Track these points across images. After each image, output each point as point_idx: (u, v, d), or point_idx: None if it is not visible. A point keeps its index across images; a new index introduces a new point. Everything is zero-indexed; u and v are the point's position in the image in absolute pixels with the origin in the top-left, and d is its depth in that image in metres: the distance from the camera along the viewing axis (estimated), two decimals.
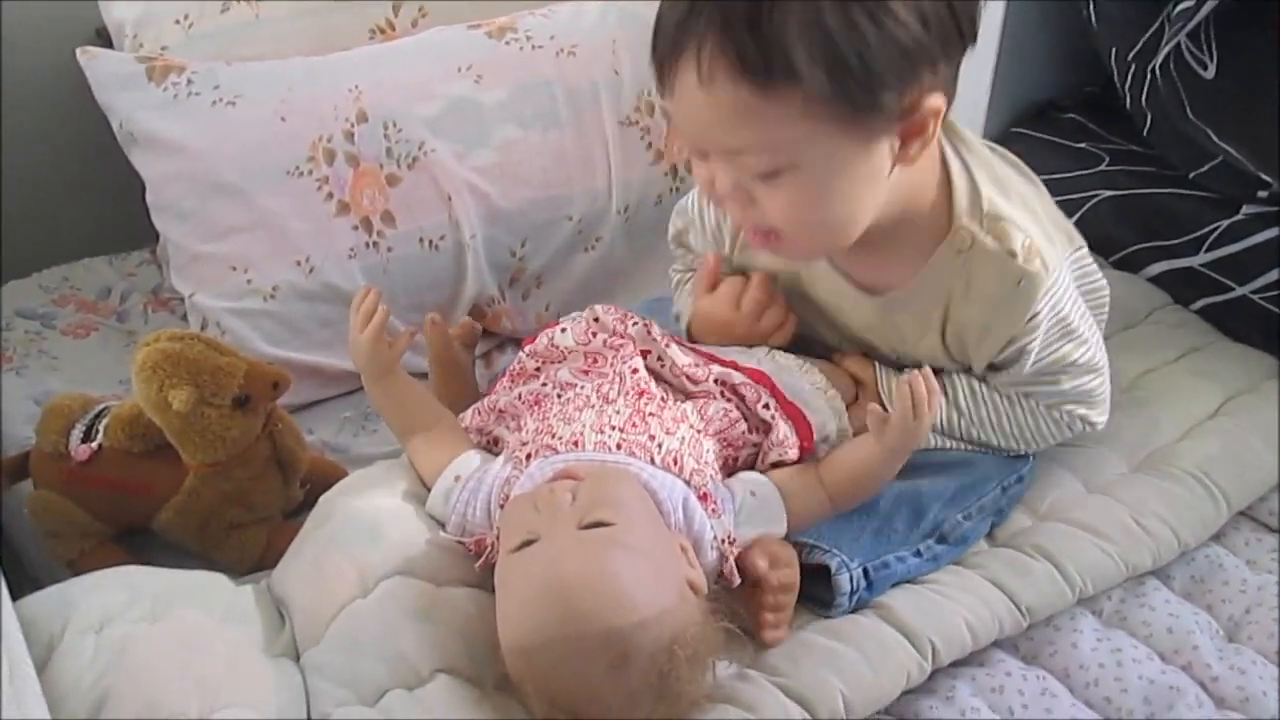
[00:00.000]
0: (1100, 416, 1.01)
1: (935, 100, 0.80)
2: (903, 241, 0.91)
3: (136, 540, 1.05)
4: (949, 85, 0.81)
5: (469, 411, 0.99)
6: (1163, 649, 0.92)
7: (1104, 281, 1.00)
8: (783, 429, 0.94)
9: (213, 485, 0.99)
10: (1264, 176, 1.17)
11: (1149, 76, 1.22)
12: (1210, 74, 1.16)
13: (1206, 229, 1.23)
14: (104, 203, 1.55)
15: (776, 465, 0.94)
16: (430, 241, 1.28)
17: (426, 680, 0.80)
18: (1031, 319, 0.90)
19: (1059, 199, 1.32)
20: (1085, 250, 0.99)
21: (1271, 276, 1.19)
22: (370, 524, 0.89)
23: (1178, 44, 1.16)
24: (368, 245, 1.25)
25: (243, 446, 0.98)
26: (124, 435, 0.99)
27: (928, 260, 0.91)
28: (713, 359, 0.98)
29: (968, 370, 0.99)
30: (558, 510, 0.80)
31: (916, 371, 0.87)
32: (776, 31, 0.75)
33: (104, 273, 1.47)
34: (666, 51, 0.81)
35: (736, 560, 0.86)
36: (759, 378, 0.96)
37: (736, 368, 0.97)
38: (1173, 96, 1.19)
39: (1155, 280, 1.27)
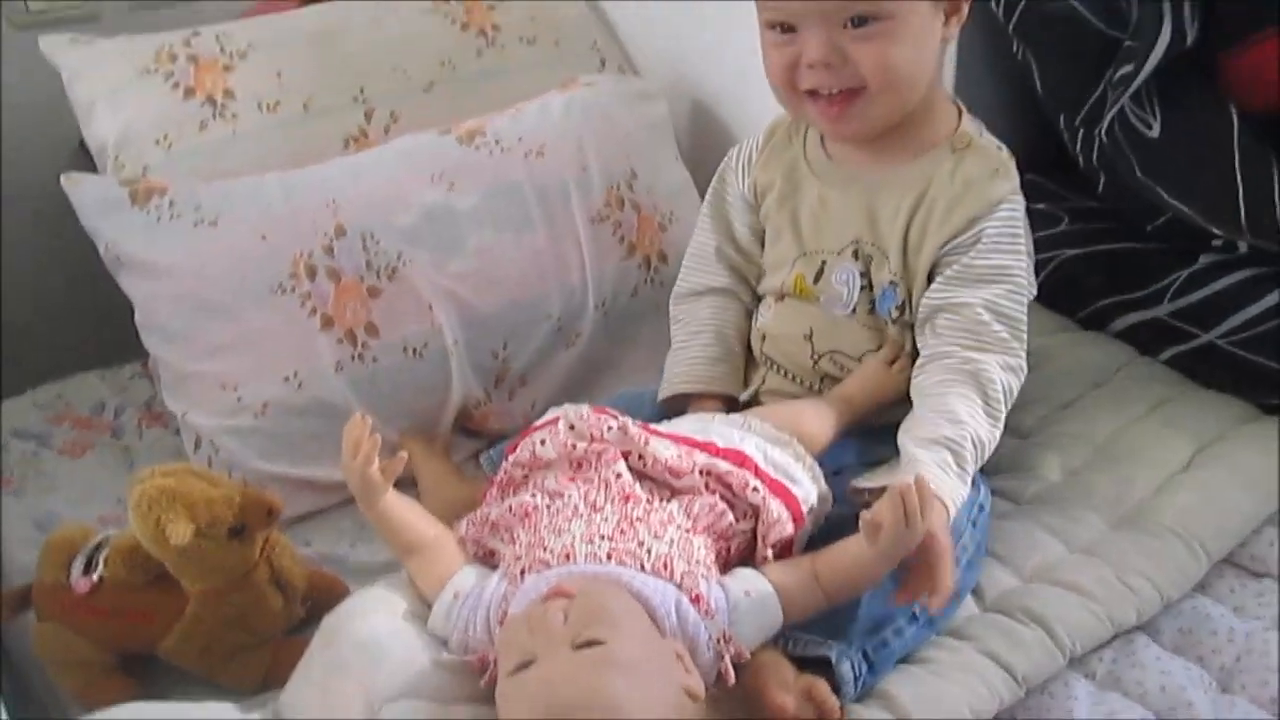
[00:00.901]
0: (1020, 359, 1.03)
1: None
2: (907, 137, 1.05)
3: (143, 667, 1.06)
4: None
5: (463, 523, 1.01)
6: (1158, 708, 0.94)
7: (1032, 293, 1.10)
8: (774, 508, 0.96)
9: (213, 611, 1.01)
10: (1214, 230, 1.21)
11: (1096, 140, 1.26)
12: (1155, 133, 1.20)
13: (1168, 280, 1.27)
14: (94, 316, 1.58)
15: (776, 545, 0.95)
16: (414, 350, 1.30)
17: None
18: (997, 204, 1.02)
19: None
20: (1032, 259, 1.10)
21: (1236, 321, 1.22)
22: (374, 646, 0.90)
23: (1121, 107, 1.20)
24: (353, 358, 1.28)
25: (241, 573, 1.00)
26: (124, 566, 1.01)
27: (923, 154, 1.05)
28: (692, 443, 1.00)
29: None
30: (551, 631, 0.82)
31: (909, 481, 0.88)
32: None
33: (97, 387, 1.49)
34: None
35: (759, 693, 0.87)
36: (740, 459, 0.98)
37: (715, 451, 0.99)
38: (1121, 157, 1.23)
39: (1123, 334, 1.30)
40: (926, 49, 1.01)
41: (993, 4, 1.27)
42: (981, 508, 1.04)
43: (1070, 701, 0.94)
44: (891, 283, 1.07)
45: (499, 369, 1.35)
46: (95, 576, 1.01)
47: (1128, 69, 1.18)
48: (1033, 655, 0.95)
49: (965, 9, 1.01)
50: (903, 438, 0.99)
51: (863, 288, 1.08)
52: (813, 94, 1.02)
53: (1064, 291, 1.34)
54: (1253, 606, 1.03)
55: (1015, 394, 1.03)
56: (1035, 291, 1.09)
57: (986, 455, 0.99)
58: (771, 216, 1.14)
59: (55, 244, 1.56)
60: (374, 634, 0.91)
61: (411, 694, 0.87)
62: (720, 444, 1.00)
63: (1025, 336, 1.03)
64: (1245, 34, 1.20)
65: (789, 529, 0.95)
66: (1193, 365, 1.24)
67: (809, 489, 0.99)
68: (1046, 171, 1.45)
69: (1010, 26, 1.26)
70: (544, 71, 1.61)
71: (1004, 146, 1.07)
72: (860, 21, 0.97)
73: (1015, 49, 1.32)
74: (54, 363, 1.57)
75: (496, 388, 1.36)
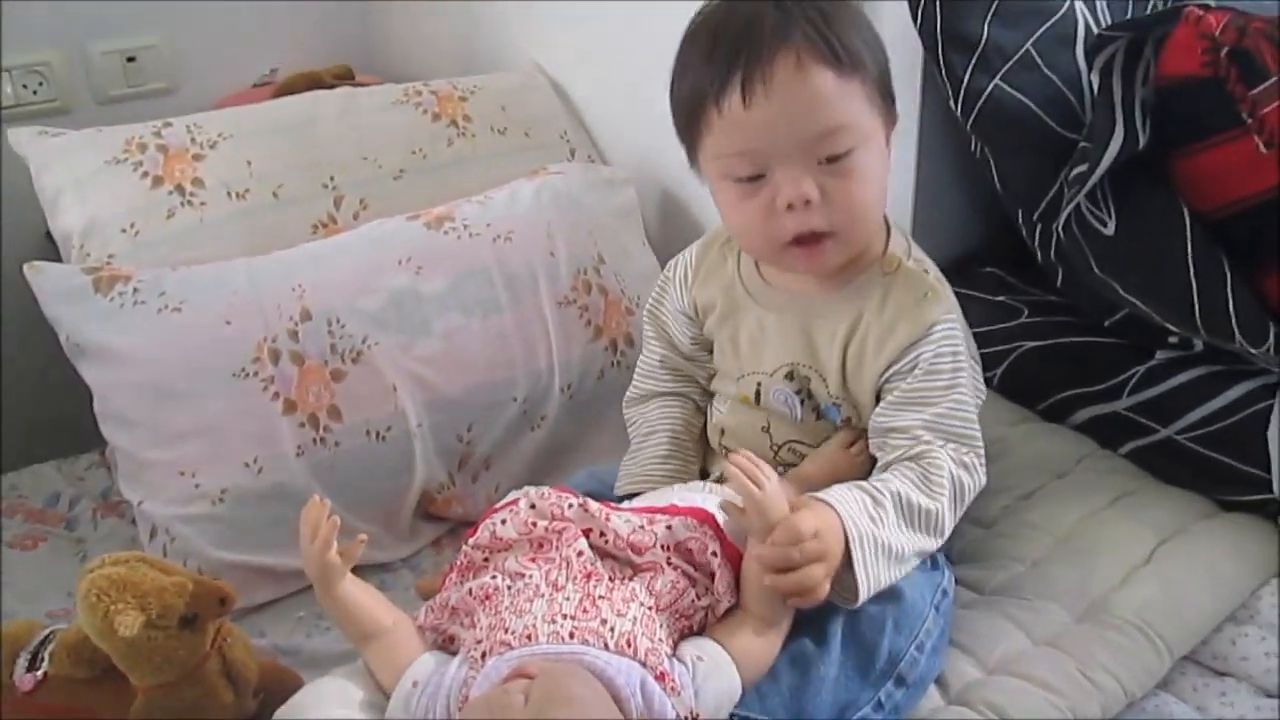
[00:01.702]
0: (977, 461, 1.02)
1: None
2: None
3: None
4: None
5: (423, 610, 0.99)
6: None
7: (982, 396, 1.11)
8: (726, 576, 0.95)
9: (162, 707, 0.98)
10: (1170, 327, 1.23)
11: (1054, 235, 1.29)
12: (1110, 230, 1.22)
13: (1126, 375, 1.28)
14: (51, 407, 1.56)
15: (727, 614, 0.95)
16: (377, 433, 1.30)
17: None
18: (929, 329, 1.02)
19: (982, 351, 1.37)
20: (978, 363, 1.12)
21: (1193, 417, 1.23)
22: None
23: (1077, 205, 1.23)
24: (315, 441, 1.27)
25: (191, 665, 0.98)
26: (69, 662, 0.98)
27: (855, 278, 1.05)
28: (653, 510, 1.00)
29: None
30: (510, 713, 0.80)
31: (734, 455, 0.94)
32: (846, 34, 0.96)
33: (52, 479, 1.48)
34: (761, 52, 0.94)
35: None
36: (702, 516, 0.98)
37: (675, 510, 0.99)
38: (1077, 253, 1.25)
39: (1083, 427, 1.31)
40: (884, 172, 1.01)
41: (950, 102, 1.31)
42: (945, 592, 1.04)
43: None
44: (834, 403, 1.08)
45: (463, 452, 1.35)
46: (39, 673, 0.98)
47: (1082, 168, 1.21)
48: None
49: (896, 113, 1.03)
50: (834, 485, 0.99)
51: (803, 402, 1.09)
52: (793, 240, 0.99)
53: (1024, 383, 1.36)
54: (1215, 706, 1.02)
55: (968, 490, 1.02)
56: (983, 397, 1.09)
57: (920, 521, 0.97)
58: (715, 333, 1.15)
59: (16, 334, 1.56)
60: None
61: None
62: (681, 504, 1.00)
63: (979, 443, 1.03)
64: (1194, 139, 1.24)
65: (734, 600, 0.95)
66: (1152, 459, 1.25)
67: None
68: (1008, 265, 1.48)
69: (968, 124, 1.30)
70: (514, 160, 1.64)
71: (930, 266, 1.07)
72: (833, 158, 0.96)
73: (974, 146, 1.35)
74: (10, 452, 1.55)
75: (460, 471, 1.35)
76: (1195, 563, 1.11)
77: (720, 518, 0.99)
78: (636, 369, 1.25)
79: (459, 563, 1.02)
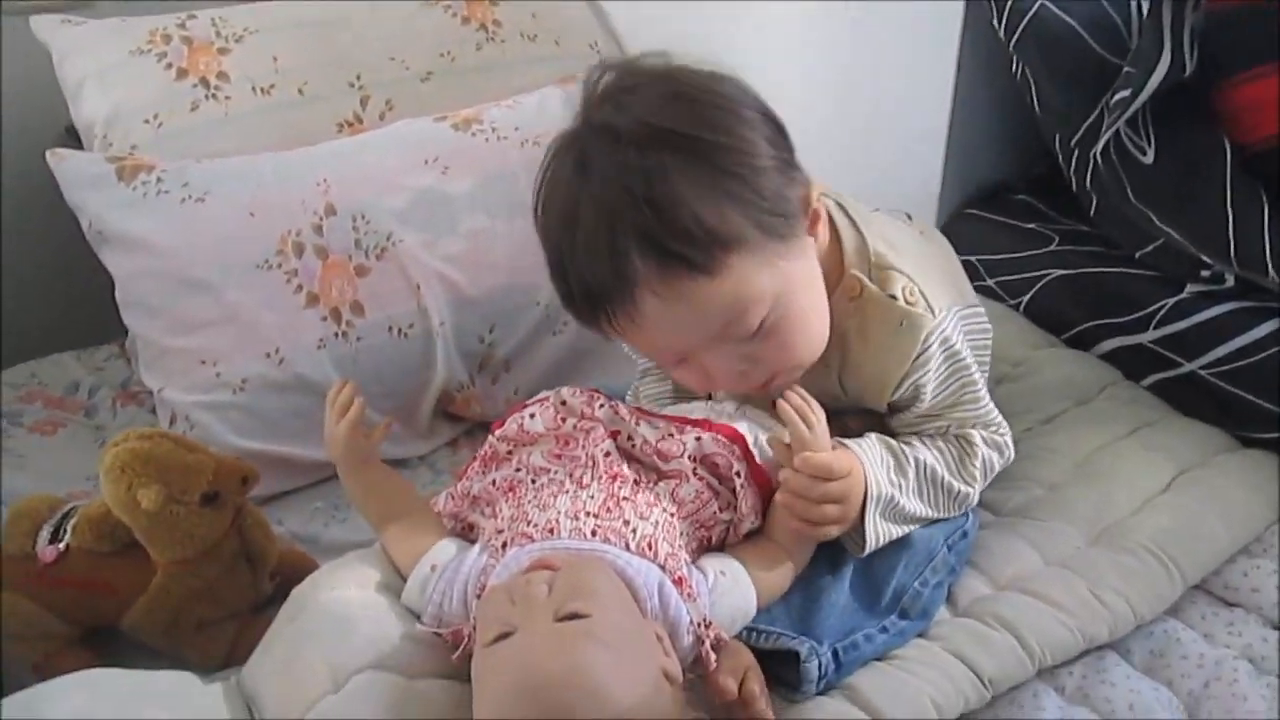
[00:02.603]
0: (1007, 439, 1.02)
1: (808, 187, 0.91)
2: None
3: (103, 641, 1.04)
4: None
5: (442, 496, 1.00)
6: None
7: (989, 340, 1.06)
8: (750, 501, 0.96)
9: (181, 582, 0.99)
10: (1204, 258, 1.22)
11: (1091, 162, 1.27)
12: (1149, 159, 1.20)
13: (1154, 307, 1.27)
14: (72, 298, 1.56)
15: (749, 535, 0.96)
16: (399, 330, 1.30)
17: None
18: (919, 356, 0.95)
19: (1011, 278, 1.36)
20: (978, 308, 1.05)
21: (1219, 353, 1.23)
22: (342, 618, 0.89)
23: (1117, 131, 1.21)
24: (337, 335, 1.27)
25: (211, 543, 0.99)
26: (91, 535, 0.99)
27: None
28: (684, 421, 0.99)
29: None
30: (533, 602, 0.81)
31: (787, 392, 0.91)
32: (693, 221, 0.83)
33: (71, 368, 1.48)
34: (614, 300, 0.86)
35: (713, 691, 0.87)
36: (732, 434, 0.97)
37: (709, 426, 0.98)
38: (1114, 181, 1.24)
39: (1107, 357, 1.31)
40: (814, 290, 0.92)
41: (994, 21, 1.28)
42: (965, 534, 1.04)
43: (1039, 713, 0.93)
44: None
45: (484, 353, 1.35)
46: (62, 545, 0.99)
47: (1125, 94, 1.19)
48: (1001, 659, 0.94)
49: (820, 208, 0.92)
50: (868, 433, 0.99)
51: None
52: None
53: (1050, 311, 1.35)
54: (1222, 635, 1.03)
55: (997, 468, 1.02)
56: (990, 337, 1.07)
57: (945, 497, 0.99)
58: None
59: (37, 226, 1.55)
60: (343, 605, 0.90)
61: (379, 667, 0.86)
62: (714, 419, 1.00)
63: (1005, 425, 1.02)
64: (1240, 69, 1.22)
65: (758, 522, 0.96)
66: (1174, 393, 1.25)
67: None
68: (1041, 194, 1.46)
69: (1011, 44, 1.27)
70: (543, 68, 1.61)
71: (891, 264, 0.96)
72: (755, 333, 0.89)
73: (1014, 67, 1.33)
74: (31, 344, 1.55)
75: (480, 372, 1.35)
76: (1212, 495, 1.11)
77: (750, 439, 0.98)
78: None
79: (483, 453, 1.02)
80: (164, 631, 1.01)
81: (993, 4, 1.27)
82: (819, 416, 0.93)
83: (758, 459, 0.98)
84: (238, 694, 0.90)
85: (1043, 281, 1.35)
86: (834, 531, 0.94)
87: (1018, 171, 1.49)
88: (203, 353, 1.24)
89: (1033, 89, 1.31)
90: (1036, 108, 1.33)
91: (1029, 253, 1.38)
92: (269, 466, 1.22)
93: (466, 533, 0.97)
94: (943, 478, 0.99)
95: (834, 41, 1.50)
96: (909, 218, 1.12)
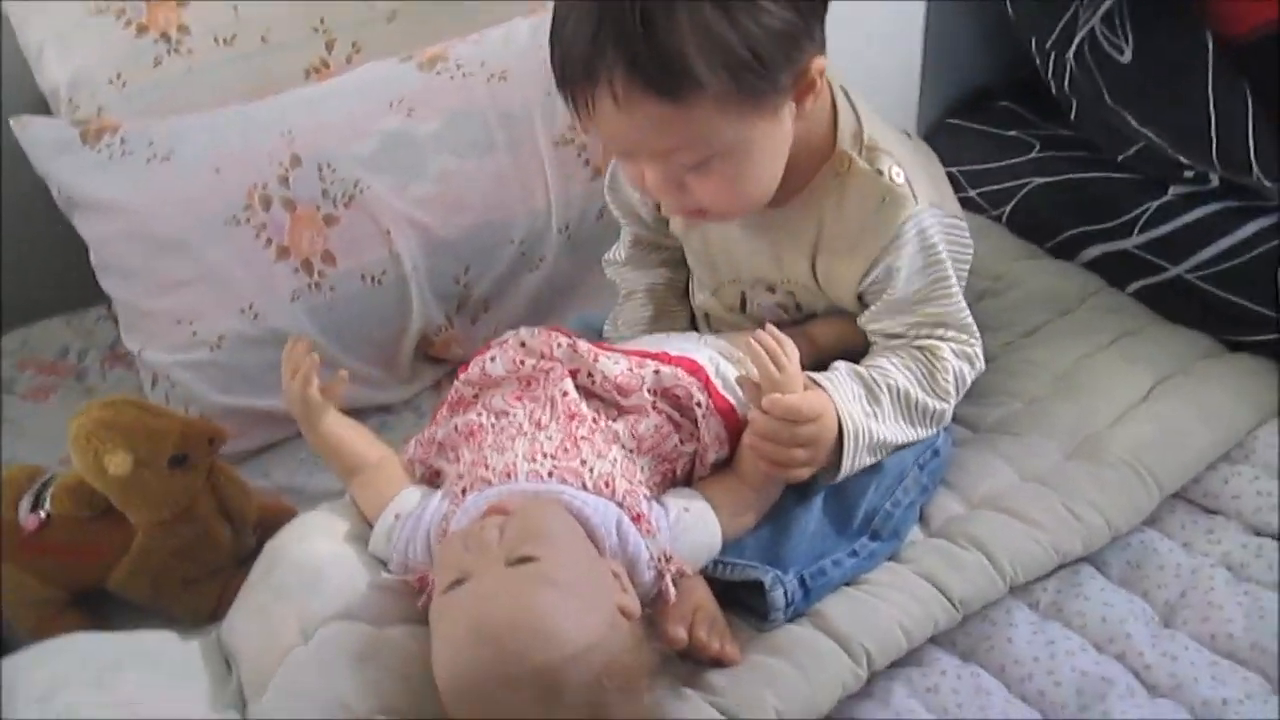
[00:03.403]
0: (977, 350, 1.00)
1: (819, 61, 0.90)
2: (791, 170, 0.97)
3: (96, 601, 1.07)
4: (823, 40, 0.90)
5: (411, 443, 1.01)
6: (1097, 639, 0.94)
7: (969, 255, 1.04)
8: (714, 428, 0.95)
9: (161, 542, 1.01)
10: (1183, 160, 1.18)
11: (1068, 64, 1.23)
12: (1127, 58, 1.16)
13: (1137, 211, 1.24)
14: (58, 262, 1.57)
15: (714, 466, 0.96)
16: (372, 277, 1.29)
17: None
18: (896, 238, 0.95)
19: (993, 188, 1.33)
20: (961, 222, 1.03)
21: (1204, 255, 1.20)
22: (311, 571, 0.91)
23: (1093, 30, 1.17)
24: (310, 287, 1.27)
25: (185, 503, 1.00)
26: (70, 502, 1.01)
27: (808, 185, 0.98)
28: (644, 354, 0.99)
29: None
30: (486, 548, 0.82)
31: (759, 332, 0.91)
32: (675, 48, 0.83)
33: (61, 333, 1.48)
34: (578, 85, 0.87)
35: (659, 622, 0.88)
36: (691, 367, 0.97)
37: (668, 359, 0.98)
38: (1090, 84, 1.20)
39: (1092, 264, 1.28)
40: (777, 154, 0.93)
41: None
42: (936, 453, 1.03)
43: (1010, 629, 0.94)
44: (825, 307, 1.05)
45: (461, 294, 1.34)
46: (42, 513, 1.01)
47: None
48: (971, 579, 0.94)
49: (819, 83, 0.91)
50: (838, 362, 0.98)
51: (785, 310, 1.06)
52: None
53: (1033, 220, 1.32)
54: (1201, 543, 1.02)
55: (968, 381, 1.01)
56: (970, 250, 1.04)
57: (919, 416, 0.98)
58: (682, 235, 1.10)
59: (22, 190, 1.55)
60: (312, 558, 0.92)
61: (347, 616, 0.88)
62: (673, 353, 1.00)
63: (976, 332, 1.01)
64: None
65: (726, 449, 0.95)
66: (1160, 298, 1.22)
67: None
68: (1023, 99, 1.42)
69: None
70: None
71: (881, 146, 0.97)
72: (698, 164, 0.90)
73: None
74: (24, 310, 1.56)
75: (459, 313, 1.35)
76: (1192, 402, 1.09)
77: (711, 370, 0.98)
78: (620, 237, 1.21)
79: (449, 398, 1.03)
80: (149, 590, 1.03)
81: None
82: (791, 355, 0.92)
83: (720, 389, 0.97)
84: (217, 649, 0.92)
85: (1024, 190, 1.32)
86: (805, 473, 0.94)
87: (1000, 76, 1.45)
88: (178, 312, 1.24)
89: None
90: (1010, 11, 1.29)
91: (1010, 161, 1.34)
92: (253, 421, 1.24)
93: (433, 479, 0.98)
94: (916, 398, 0.98)
95: None
96: (908, 135, 1.09)
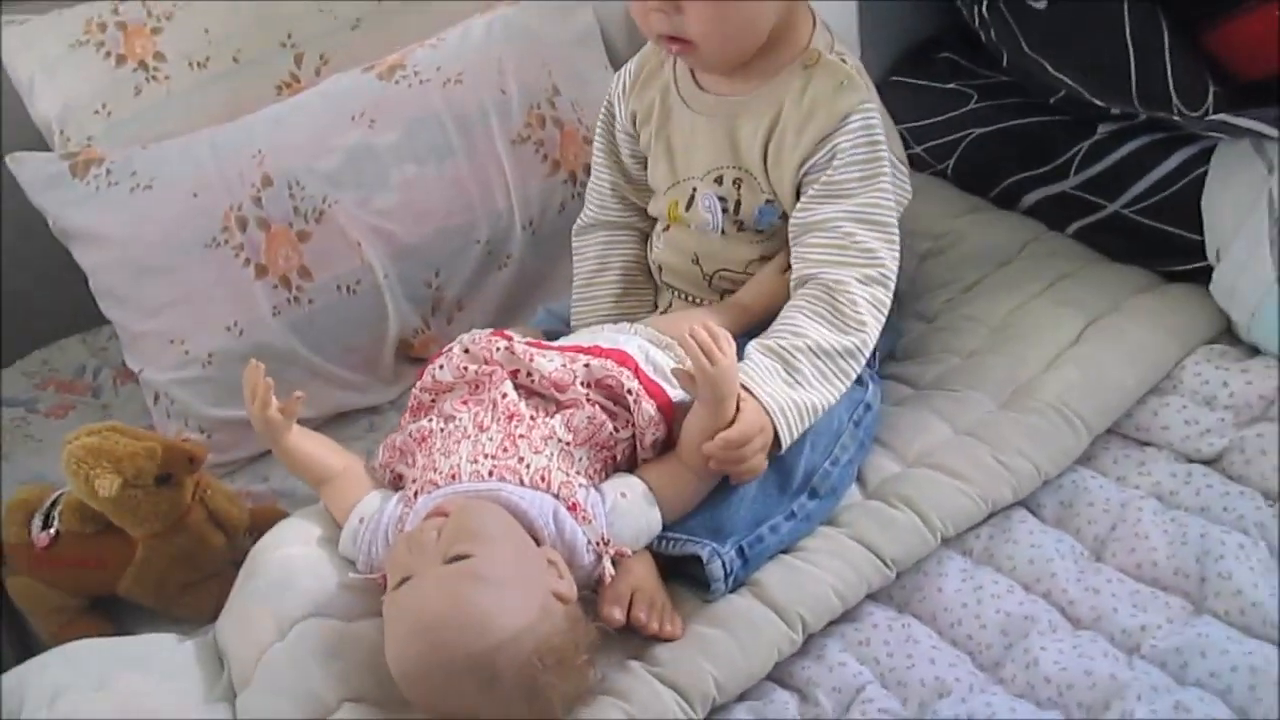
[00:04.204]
0: (892, 252, 1.04)
1: None
2: (763, 60, 1.06)
3: (112, 606, 1.17)
4: None
5: (380, 449, 1.08)
6: (1025, 580, 0.98)
7: (908, 200, 1.11)
8: (646, 410, 1.01)
9: (159, 552, 1.11)
10: (1101, 103, 1.20)
11: (988, 15, 1.25)
12: (1043, 4, 1.18)
13: (1071, 153, 1.26)
14: (74, 283, 1.66)
15: (654, 445, 1.02)
16: (347, 288, 1.37)
17: (335, 710, 0.90)
18: (845, 118, 1.03)
19: (936, 142, 1.36)
20: (905, 169, 1.10)
21: (1137, 189, 1.22)
22: (285, 573, 0.99)
23: None
24: (289, 301, 1.35)
25: (176, 516, 1.09)
26: (76, 519, 1.11)
27: (776, 75, 1.06)
28: (577, 349, 1.06)
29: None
30: (425, 548, 0.89)
31: (694, 325, 0.95)
32: None
33: (78, 351, 1.59)
34: None
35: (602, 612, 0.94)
36: (621, 358, 1.03)
37: (599, 352, 1.04)
38: (1008, 34, 1.21)
39: (1033, 209, 1.31)
40: (757, 14, 1.01)
41: None
42: (868, 406, 1.08)
43: (940, 579, 0.99)
44: (768, 201, 1.09)
45: (434, 297, 1.41)
46: (52, 531, 1.11)
47: None
48: (903, 538, 0.99)
49: None
50: (749, 346, 1.02)
51: (725, 210, 1.11)
52: (662, 35, 1.04)
53: (975, 171, 1.35)
54: (1134, 476, 1.06)
55: (885, 301, 1.03)
56: (908, 198, 1.09)
57: (840, 360, 1.00)
58: (650, 145, 1.17)
59: (36, 216, 1.65)
60: (286, 561, 1.00)
61: (318, 613, 0.96)
62: (605, 345, 1.06)
63: (896, 239, 1.04)
64: None
65: (662, 430, 1.01)
66: (1099, 237, 1.25)
67: (684, 393, 1.03)
68: (963, 48, 1.43)
69: None
70: None
71: (849, 58, 1.07)
72: None
73: None
74: (46, 330, 1.67)
75: (434, 315, 1.42)
76: (1120, 340, 1.12)
77: (640, 358, 1.04)
78: (587, 195, 1.27)
79: (410, 404, 1.10)
80: (154, 596, 1.13)
81: None
82: (726, 350, 0.95)
83: (650, 375, 1.03)
84: (212, 647, 1.02)
85: (965, 142, 1.35)
86: (763, 466, 0.98)
87: (943, 25, 1.46)
88: (170, 333, 1.33)
89: None
90: None
91: (950, 114, 1.37)
92: (245, 431, 1.30)
93: (396, 483, 1.06)
94: (831, 345, 1.00)
95: None
96: None
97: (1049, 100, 1.30)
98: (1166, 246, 1.19)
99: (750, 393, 0.97)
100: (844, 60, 1.06)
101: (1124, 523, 1.01)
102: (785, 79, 1.06)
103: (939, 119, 1.37)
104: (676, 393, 1.03)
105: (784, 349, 1.00)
